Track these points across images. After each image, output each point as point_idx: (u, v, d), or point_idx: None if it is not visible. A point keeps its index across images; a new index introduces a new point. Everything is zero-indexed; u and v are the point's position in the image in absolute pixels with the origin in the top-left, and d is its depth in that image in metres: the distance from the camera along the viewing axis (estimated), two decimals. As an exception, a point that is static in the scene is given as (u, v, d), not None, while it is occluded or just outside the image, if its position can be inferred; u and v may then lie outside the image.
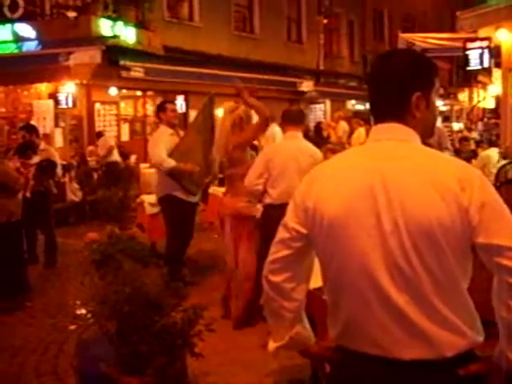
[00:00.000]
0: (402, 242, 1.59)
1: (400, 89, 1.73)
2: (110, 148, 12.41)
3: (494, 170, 8.32)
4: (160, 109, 6.64)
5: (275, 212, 4.86)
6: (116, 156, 12.63)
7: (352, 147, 1.84)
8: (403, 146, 1.71)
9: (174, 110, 6.77)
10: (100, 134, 13.43)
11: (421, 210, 1.58)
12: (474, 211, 1.57)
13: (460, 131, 19.53)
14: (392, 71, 1.76)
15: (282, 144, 5.36)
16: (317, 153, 5.11)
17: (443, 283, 1.60)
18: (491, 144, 9.69)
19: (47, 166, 7.65)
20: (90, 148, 13.55)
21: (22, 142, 7.98)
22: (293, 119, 5.13)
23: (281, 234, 1.82)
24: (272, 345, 1.95)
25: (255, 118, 5.59)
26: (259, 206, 5.41)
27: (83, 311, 3.96)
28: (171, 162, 6.12)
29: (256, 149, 7.72)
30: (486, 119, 22.34)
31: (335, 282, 1.73)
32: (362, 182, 1.66)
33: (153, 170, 7.91)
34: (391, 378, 1.64)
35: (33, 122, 13.96)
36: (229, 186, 5.62)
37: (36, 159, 7.53)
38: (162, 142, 6.29)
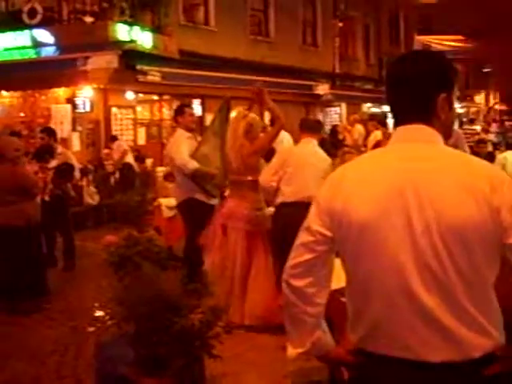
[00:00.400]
0: (434, 242, 1.57)
1: (426, 90, 1.72)
2: (124, 152, 12.48)
3: (512, 172, 8.26)
4: (178, 112, 6.71)
5: (287, 210, 4.92)
6: (130, 159, 12.69)
7: (374, 150, 1.79)
8: (431, 148, 1.71)
9: (192, 115, 6.84)
10: (114, 138, 13.50)
11: (452, 211, 1.57)
12: (506, 212, 1.56)
13: (477, 133, 19.36)
14: (417, 72, 1.74)
15: (298, 147, 5.42)
16: (329, 160, 5.41)
17: (473, 284, 1.59)
18: (508, 146, 9.59)
19: (65, 169, 7.72)
20: (106, 151, 13.62)
21: (39, 146, 8.06)
22: (310, 128, 5.29)
23: (303, 237, 1.78)
24: (292, 351, 1.90)
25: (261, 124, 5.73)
26: (271, 208, 5.45)
27: (102, 313, 3.98)
28: (195, 164, 6.17)
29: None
30: (503, 121, 22.16)
31: (362, 285, 1.71)
32: (392, 183, 1.65)
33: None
34: (417, 380, 1.63)
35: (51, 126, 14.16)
36: (235, 191, 5.66)
37: (54, 163, 7.60)
38: (184, 145, 6.34)
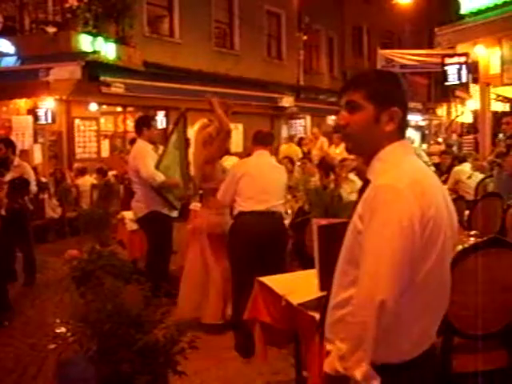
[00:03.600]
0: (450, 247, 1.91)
1: None
2: None
3: (468, 184, 8.39)
4: (145, 124, 6.55)
5: (245, 218, 4.97)
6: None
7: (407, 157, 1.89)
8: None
9: (157, 128, 6.79)
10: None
11: (455, 221, 1.96)
12: None
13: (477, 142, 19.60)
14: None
15: (251, 159, 5.44)
16: (283, 169, 5.57)
17: None
18: (462, 160, 9.78)
19: (20, 183, 7.50)
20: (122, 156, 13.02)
21: (-5, 160, 7.80)
22: (262, 140, 5.32)
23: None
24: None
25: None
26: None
27: (63, 330, 3.88)
28: (162, 176, 6.17)
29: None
30: (463, 134, 22.60)
31: (426, 280, 1.82)
32: (437, 190, 1.90)
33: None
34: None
35: (12, 138, 13.86)
36: (203, 200, 5.94)
37: (9, 176, 7.39)
38: (149, 157, 6.29)
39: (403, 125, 1.98)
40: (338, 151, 13.97)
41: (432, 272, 1.82)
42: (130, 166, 6.49)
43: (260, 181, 5.02)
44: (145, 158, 6.30)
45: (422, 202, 1.78)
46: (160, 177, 6.17)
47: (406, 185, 1.78)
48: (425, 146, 23.39)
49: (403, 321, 1.80)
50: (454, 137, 21.00)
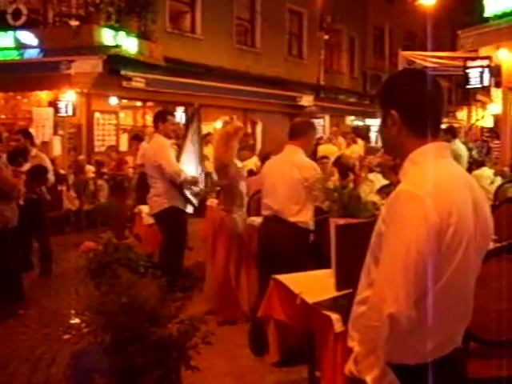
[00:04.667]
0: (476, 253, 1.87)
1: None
2: None
3: (488, 189, 8.29)
4: (160, 119, 6.54)
5: (262, 223, 4.92)
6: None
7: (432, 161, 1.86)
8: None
9: (174, 124, 6.78)
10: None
11: (489, 228, 1.92)
12: None
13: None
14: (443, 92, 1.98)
15: (273, 158, 5.37)
16: (311, 165, 4.93)
17: None
18: (480, 164, 9.69)
19: (38, 172, 7.57)
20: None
21: (12, 149, 7.88)
22: (290, 134, 5.06)
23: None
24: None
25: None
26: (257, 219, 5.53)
27: (78, 321, 3.89)
28: (185, 173, 6.23)
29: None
30: (483, 138, 22.41)
31: (446, 287, 1.80)
32: (465, 195, 1.84)
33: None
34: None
35: (32, 130, 13.97)
36: (219, 197, 6.14)
37: (27, 166, 7.46)
38: (171, 153, 6.33)
39: (430, 126, 1.92)
40: (349, 151, 14.00)
41: (454, 278, 1.80)
42: (150, 161, 6.44)
43: (268, 182, 4.89)
44: (168, 154, 6.29)
45: (442, 209, 1.75)
46: (184, 174, 6.24)
47: (426, 191, 1.76)
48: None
49: (422, 325, 1.78)
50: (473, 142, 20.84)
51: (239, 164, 5.86)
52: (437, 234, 1.73)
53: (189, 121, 6.76)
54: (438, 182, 1.81)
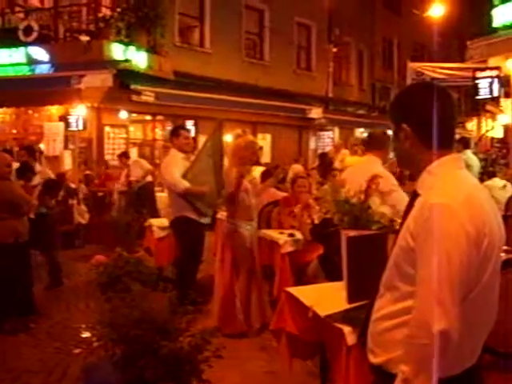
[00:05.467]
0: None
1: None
2: (148, 170, 12.00)
3: (499, 199, 8.24)
4: (173, 134, 6.80)
5: None
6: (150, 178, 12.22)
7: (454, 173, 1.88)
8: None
9: (188, 138, 6.87)
10: (126, 155, 12.44)
11: (504, 238, 1.91)
12: None
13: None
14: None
15: (355, 167, 5.41)
16: (387, 175, 4.89)
17: None
18: (492, 175, 9.67)
19: (52, 185, 7.66)
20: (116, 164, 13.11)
21: (20, 165, 7.92)
22: (368, 144, 5.15)
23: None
24: None
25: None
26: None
27: (89, 334, 3.89)
28: (186, 183, 6.28)
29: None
30: (494, 149, 22.31)
31: (479, 297, 1.80)
32: (488, 206, 1.86)
33: (163, 194, 7.91)
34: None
35: (42, 145, 14.08)
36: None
37: (36, 180, 7.53)
38: (175, 165, 6.43)
39: (444, 138, 1.92)
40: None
41: (484, 290, 1.81)
42: (160, 173, 6.63)
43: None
44: (172, 166, 6.46)
45: (477, 220, 1.76)
46: (184, 184, 6.28)
47: (461, 203, 1.76)
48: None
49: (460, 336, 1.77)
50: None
51: (250, 177, 5.84)
52: (474, 244, 1.74)
53: (212, 133, 6.77)
54: (468, 193, 1.83)
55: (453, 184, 1.85)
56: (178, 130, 6.85)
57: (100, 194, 11.72)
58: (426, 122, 1.90)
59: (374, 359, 1.98)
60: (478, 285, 1.78)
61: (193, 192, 6.33)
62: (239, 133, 5.93)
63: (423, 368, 1.71)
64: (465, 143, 9.96)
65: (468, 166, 2.79)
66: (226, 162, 6.07)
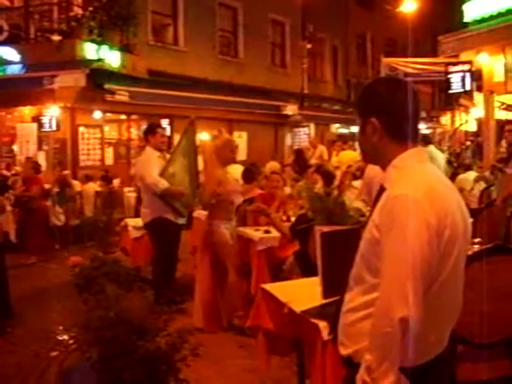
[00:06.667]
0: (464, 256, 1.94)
1: None
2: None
3: (472, 192, 8.35)
4: (149, 131, 6.65)
5: None
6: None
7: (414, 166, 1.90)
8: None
9: (164, 136, 6.83)
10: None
11: (470, 230, 1.96)
12: None
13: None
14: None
15: None
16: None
17: None
18: (467, 168, 9.82)
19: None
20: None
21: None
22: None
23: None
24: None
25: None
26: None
27: (65, 337, 3.87)
28: (165, 183, 6.21)
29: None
30: (468, 142, 22.58)
31: (442, 287, 1.84)
32: (452, 199, 1.90)
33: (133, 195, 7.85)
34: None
35: (15, 146, 13.92)
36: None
37: None
38: (154, 164, 6.34)
39: (409, 132, 1.95)
40: (337, 159, 14.02)
41: (447, 280, 1.84)
42: (137, 173, 6.59)
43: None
44: (149, 164, 6.36)
45: (439, 211, 1.79)
46: (163, 184, 6.21)
47: (423, 194, 1.79)
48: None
49: (423, 325, 1.79)
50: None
51: (230, 177, 5.83)
52: (436, 234, 1.77)
53: (183, 132, 6.74)
54: (431, 185, 1.86)
55: (415, 176, 1.87)
56: (154, 128, 6.75)
57: (24, 199, 10.93)
58: (393, 114, 1.94)
59: (344, 351, 2.01)
60: (440, 275, 1.82)
61: (172, 192, 6.29)
62: (216, 134, 5.93)
63: (386, 356, 1.73)
64: (426, 140, 10.09)
65: (431, 159, 2.83)
66: (201, 161, 6.06)
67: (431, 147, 10.31)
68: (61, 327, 5.61)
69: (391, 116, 1.94)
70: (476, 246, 3.75)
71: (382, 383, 1.73)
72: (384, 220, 1.82)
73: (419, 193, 1.79)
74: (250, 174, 7.61)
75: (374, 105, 1.97)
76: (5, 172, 11.99)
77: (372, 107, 1.97)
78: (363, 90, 2.08)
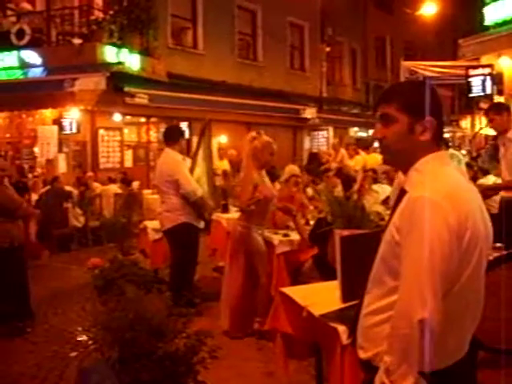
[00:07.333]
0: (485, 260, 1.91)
1: None
2: None
3: (493, 197, 8.25)
4: (179, 135, 6.55)
5: None
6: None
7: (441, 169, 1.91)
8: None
9: (185, 139, 6.85)
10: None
11: (491, 234, 1.96)
12: None
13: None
14: None
15: None
16: None
17: None
18: (486, 172, 9.73)
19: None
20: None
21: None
22: None
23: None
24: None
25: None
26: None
27: (85, 338, 3.88)
28: (200, 192, 6.23)
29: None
30: (487, 146, 22.36)
31: (463, 290, 1.83)
32: (474, 203, 1.89)
33: (156, 196, 7.89)
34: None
35: (36, 148, 14.08)
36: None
37: None
38: (186, 169, 6.33)
39: (439, 135, 1.99)
40: (353, 163, 14.00)
41: (468, 283, 1.83)
42: (163, 176, 6.35)
43: None
44: (184, 170, 6.29)
45: (459, 213, 1.78)
46: (200, 192, 6.24)
47: (443, 197, 1.79)
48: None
49: (442, 328, 1.79)
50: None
51: (268, 181, 5.70)
52: (456, 236, 1.76)
53: (200, 135, 6.73)
54: (452, 187, 1.86)
55: (436, 179, 1.87)
56: (182, 132, 6.71)
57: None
58: (439, 117, 2.00)
59: (364, 354, 2.00)
60: (460, 278, 1.81)
61: (203, 202, 6.31)
62: (254, 135, 5.66)
63: (405, 358, 1.73)
64: (446, 143, 10.09)
65: (459, 162, 2.82)
66: (226, 164, 5.97)
67: (451, 150, 10.26)
68: (80, 328, 5.63)
69: (438, 118, 1.98)
70: (496, 254, 3.72)
71: None
72: (404, 222, 1.82)
73: (440, 195, 1.79)
74: (270, 177, 7.59)
75: (431, 105, 1.98)
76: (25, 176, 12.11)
77: (429, 107, 1.98)
78: (416, 88, 2.04)
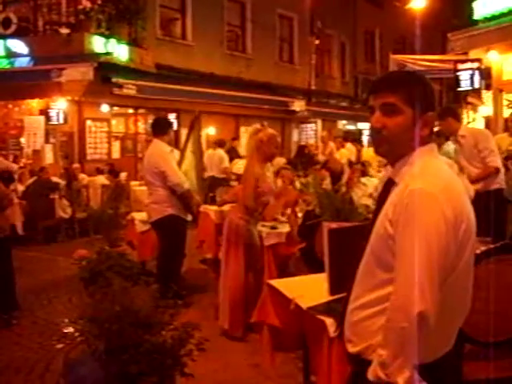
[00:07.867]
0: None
1: None
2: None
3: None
4: (167, 127, 6.52)
5: None
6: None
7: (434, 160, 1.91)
8: None
9: (173, 131, 6.81)
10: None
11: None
12: None
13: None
14: None
15: None
16: None
17: None
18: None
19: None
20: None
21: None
22: None
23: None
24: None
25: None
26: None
27: (71, 330, 3.87)
28: (187, 185, 6.21)
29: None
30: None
31: (454, 282, 1.83)
32: (465, 195, 1.90)
33: (143, 188, 7.86)
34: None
35: (22, 139, 13.96)
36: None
37: None
38: (173, 161, 6.29)
39: (433, 129, 2.02)
40: (338, 155, 14.09)
41: (460, 276, 1.84)
42: (150, 167, 6.30)
43: None
44: (171, 162, 6.25)
45: (455, 205, 1.79)
46: (187, 185, 6.22)
47: (440, 189, 1.79)
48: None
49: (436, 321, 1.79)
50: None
51: (269, 175, 5.58)
52: (453, 228, 1.76)
53: (190, 128, 6.69)
54: (446, 181, 1.86)
55: (431, 172, 1.87)
56: (170, 124, 6.67)
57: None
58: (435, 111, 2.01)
59: (352, 348, 1.99)
60: (455, 270, 1.81)
61: (190, 195, 6.29)
62: (258, 127, 5.55)
63: (401, 351, 1.72)
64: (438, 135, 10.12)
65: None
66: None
67: (449, 143, 10.31)
68: (67, 320, 5.62)
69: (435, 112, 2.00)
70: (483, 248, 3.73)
71: (396, 379, 1.72)
72: (399, 215, 1.80)
73: (437, 188, 1.79)
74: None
75: (432, 99, 1.99)
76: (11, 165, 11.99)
77: (431, 101, 1.99)
78: (420, 81, 2.01)
